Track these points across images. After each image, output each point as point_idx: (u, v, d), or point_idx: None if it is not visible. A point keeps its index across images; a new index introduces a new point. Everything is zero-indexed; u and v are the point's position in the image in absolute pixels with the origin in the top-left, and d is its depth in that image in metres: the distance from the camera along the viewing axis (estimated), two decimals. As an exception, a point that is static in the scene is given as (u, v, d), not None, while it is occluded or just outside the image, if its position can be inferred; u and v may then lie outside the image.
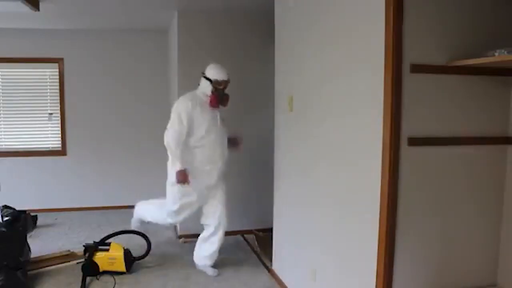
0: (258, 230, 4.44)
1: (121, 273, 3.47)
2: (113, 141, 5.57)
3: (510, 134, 2.07)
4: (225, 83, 3.43)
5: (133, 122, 5.56)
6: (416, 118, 1.93)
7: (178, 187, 3.42)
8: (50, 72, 5.47)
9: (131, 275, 3.50)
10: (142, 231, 3.82)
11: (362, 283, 2.11)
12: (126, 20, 4.89)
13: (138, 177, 5.65)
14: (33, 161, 5.45)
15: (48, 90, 5.51)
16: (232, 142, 3.65)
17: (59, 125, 5.51)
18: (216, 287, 3.36)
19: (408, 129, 1.91)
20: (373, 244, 1.99)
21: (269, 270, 3.63)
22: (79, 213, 5.38)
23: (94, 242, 3.56)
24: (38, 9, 3.86)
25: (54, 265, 3.66)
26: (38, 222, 4.86)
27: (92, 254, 3.46)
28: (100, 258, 3.46)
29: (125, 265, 3.47)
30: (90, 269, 3.42)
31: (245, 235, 4.56)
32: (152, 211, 3.81)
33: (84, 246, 3.55)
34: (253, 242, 4.33)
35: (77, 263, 3.64)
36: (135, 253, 3.64)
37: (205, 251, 3.61)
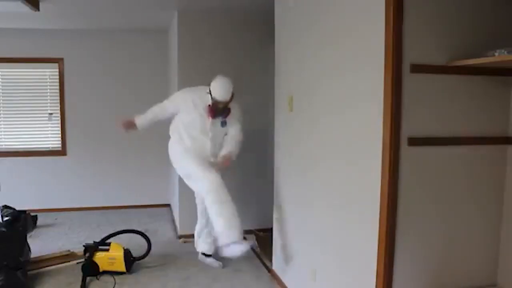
0: (258, 230, 4.44)
1: (121, 273, 3.47)
2: (113, 141, 5.57)
3: (510, 134, 2.07)
4: (225, 103, 3.40)
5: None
6: (416, 118, 1.93)
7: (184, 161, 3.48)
8: (50, 72, 5.47)
9: (131, 275, 3.50)
10: (142, 231, 3.82)
11: (362, 283, 2.11)
12: (126, 20, 4.89)
13: (138, 177, 5.65)
14: (33, 161, 5.46)
15: (48, 90, 5.51)
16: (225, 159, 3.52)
17: (59, 125, 5.52)
18: (216, 287, 3.36)
19: (408, 129, 1.91)
20: (373, 244, 1.99)
21: (269, 270, 3.63)
22: (79, 213, 5.38)
23: (94, 242, 3.56)
24: (38, 9, 3.87)
25: (54, 265, 3.67)
26: (38, 222, 4.86)
27: (92, 254, 3.46)
28: (100, 258, 3.47)
29: (125, 265, 3.47)
30: (90, 269, 3.42)
31: (245, 235, 4.55)
32: (213, 220, 3.35)
33: (84, 246, 3.55)
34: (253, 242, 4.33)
35: (77, 263, 3.64)
36: (135, 253, 3.64)
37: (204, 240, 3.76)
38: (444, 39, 1.93)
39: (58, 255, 3.78)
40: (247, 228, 4.55)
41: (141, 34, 5.47)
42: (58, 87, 5.47)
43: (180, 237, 4.42)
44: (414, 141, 1.92)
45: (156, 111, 3.67)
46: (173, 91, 4.67)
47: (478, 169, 2.05)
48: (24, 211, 4.32)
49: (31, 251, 3.58)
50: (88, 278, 3.39)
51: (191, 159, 3.43)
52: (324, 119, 2.55)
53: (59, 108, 5.49)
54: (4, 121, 5.47)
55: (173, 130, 3.62)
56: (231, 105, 3.48)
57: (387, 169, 1.90)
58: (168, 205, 5.62)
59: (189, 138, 3.49)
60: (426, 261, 2.01)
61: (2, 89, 5.42)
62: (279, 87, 3.35)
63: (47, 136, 5.58)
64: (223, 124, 3.52)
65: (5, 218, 3.80)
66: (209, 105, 3.41)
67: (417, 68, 1.90)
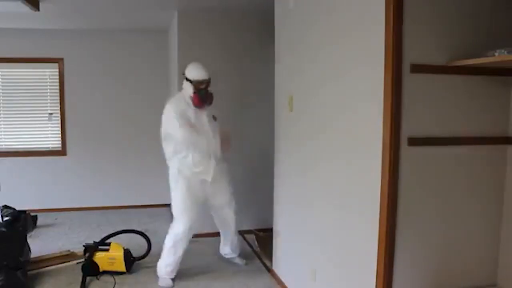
0: (258, 230, 4.44)
1: (121, 273, 3.47)
2: (113, 141, 5.57)
3: (510, 134, 2.07)
4: (206, 82, 3.36)
5: (133, 122, 5.56)
6: (416, 118, 1.93)
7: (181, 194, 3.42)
8: (50, 72, 5.47)
9: (131, 275, 3.50)
10: (142, 231, 3.82)
11: (362, 283, 2.11)
12: (126, 20, 4.89)
13: (138, 177, 5.65)
14: (33, 161, 5.46)
15: (48, 90, 5.51)
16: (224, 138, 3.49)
17: (59, 125, 5.52)
18: (217, 287, 3.36)
19: (408, 129, 1.91)
20: (373, 244, 1.99)
21: (269, 270, 3.63)
22: (79, 213, 5.38)
23: (94, 242, 3.56)
24: (38, 9, 3.87)
25: (54, 265, 3.67)
26: (38, 222, 4.86)
27: (92, 254, 3.46)
28: (100, 258, 3.47)
29: (125, 265, 3.47)
30: (90, 269, 3.42)
31: (245, 235, 4.56)
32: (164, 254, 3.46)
33: (84, 246, 3.55)
34: (253, 242, 4.33)
35: (77, 263, 3.64)
36: (135, 253, 3.64)
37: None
38: (444, 39, 1.93)
39: (58, 255, 3.78)
40: (247, 228, 4.58)
41: (141, 34, 5.47)
42: (58, 87, 5.47)
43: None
44: (414, 141, 1.92)
45: (189, 136, 3.33)
46: (173, 91, 4.67)
47: (478, 169, 2.05)
48: (24, 211, 4.32)
49: (31, 251, 3.58)
50: (88, 278, 3.39)
51: (182, 192, 3.39)
52: (324, 119, 2.54)
53: (59, 108, 5.49)
54: (4, 121, 5.46)
55: (173, 155, 3.43)
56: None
57: (387, 169, 1.90)
58: (168, 205, 5.59)
59: (194, 149, 3.35)
60: (426, 261, 2.01)
61: (2, 89, 5.42)
62: (279, 87, 3.35)
63: (47, 136, 5.58)
64: (215, 118, 3.47)
65: (5, 218, 3.80)
66: (194, 93, 3.33)
67: (417, 68, 1.90)
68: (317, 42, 2.61)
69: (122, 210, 5.50)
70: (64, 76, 5.45)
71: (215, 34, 4.40)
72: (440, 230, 2.01)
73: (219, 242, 3.87)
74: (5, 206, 4.28)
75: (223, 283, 3.42)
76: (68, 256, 3.79)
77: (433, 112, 1.95)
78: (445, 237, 2.03)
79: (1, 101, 5.43)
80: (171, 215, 3.56)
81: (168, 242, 3.41)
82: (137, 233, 3.79)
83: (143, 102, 5.55)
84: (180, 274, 3.54)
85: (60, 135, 5.53)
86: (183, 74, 3.44)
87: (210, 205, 3.63)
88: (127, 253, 3.53)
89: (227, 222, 3.70)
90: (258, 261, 3.89)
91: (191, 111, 3.36)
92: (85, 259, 3.45)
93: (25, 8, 3.75)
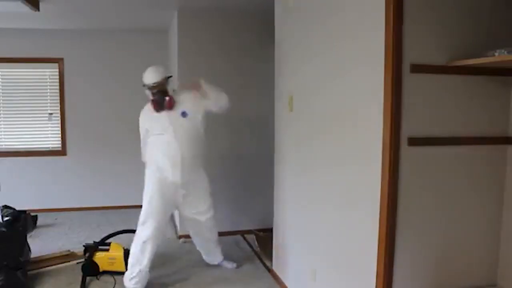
0: (258, 230, 4.44)
1: (121, 273, 3.46)
2: (113, 141, 5.57)
3: (510, 134, 2.07)
4: (156, 85, 3.24)
5: (133, 122, 5.53)
6: (416, 118, 1.93)
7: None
8: (50, 72, 5.47)
9: (131, 275, 3.50)
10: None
11: (362, 283, 2.11)
12: (126, 20, 4.89)
13: (138, 177, 5.61)
14: (33, 161, 5.46)
15: (48, 90, 5.51)
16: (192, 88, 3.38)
17: (59, 125, 5.52)
18: (216, 287, 3.36)
19: (408, 129, 1.91)
20: (373, 244, 1.99)
21: (269, 270, 3.63)
22: (79, 213, 5.38)
23: (94, 242, 3.56)
24: (38, 9, 3.87)
25: (54, 265, 3.67)
26: (38, 222, 4.86)
27: (92, 254, 3.46)
28: (100, 258, 3.47)
29: (125, 265, 3.47)
30: (90, 269, 3.42)
31: (245, 235, 4.56)
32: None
33: (84, 246, 3.56)
34: (253, 242, 4.33)
35: (77, 263, 3.64)
36: (135, 253, 3.63)
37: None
38: (444, 39, 1.93)
39: (58, 255, 3.78)
40: (247, 228, 4.58)
41: (141, 34, 5.47)
42: (58, 87, 5.48)
43: (180, 237, 4.42)
44: (414, 141, 1.92)
45: (143, 149, 3.57)
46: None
47: (478, 169, 2.05)
48: (24, 211, 4.32)
49: (31, 251, 3.58)
50: (88, 278, 3.39)
51: (150, 193, 3.33)
52: (324, 119, 2.54)
53: (59, 108, 5.49)
54: (4, 121, 5.47)
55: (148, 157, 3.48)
56: (179, 94, 3.35)
57: (387, 169, 1.90)
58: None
59: (157, 151, 3.33)
60: (426, 261, 2.01)
61: (2, 89, 5.43)
62: (279, 87, 3.35)
63: (47, 136, 5.58)
64: (184, 114, 3.27)
65: (5, 218, 3.80)
66: (152, 97, 3.30)
67: (417, 68, 1.89)
68: (317, 42, 2.61)
69: (122, 210, 5.50)
70: (64, 76, 5.45)
71: (215, 34, 4.40)
72: (440, 230, 2.01)
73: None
74: (5, 206, 4.28)
75: (223, 283, 3.42)
76: (68, 256, 3.79)
77: (433, 112, 1.95)
78: (445, 237, 2.02)
79: (1, 101, 5.43)
80: (171, 215, 3.56)
81: (134, 248, 3.24)
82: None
83: (143, 102, 5.50)
84: (179, 275, 3.54)
85: (60, 135, 5.53)
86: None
87: (180, 212, 3.57)
88: (127, 253, 3.52)
89: (200, 232, 3.58)
90: (258, 261, 3.89)
91: (155, 117, 3.31)
92: (85, 259, 3.46)
93: (25, 8, 3.75)
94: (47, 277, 3.45)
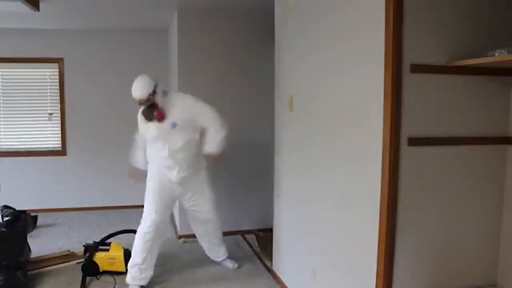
0: (258, 230, 4.44)
1: (121, 273, 3.46)
2: (113, 141, 5.56)
3: (510, 134, 2.07)
4: (142, 102, 3.17)
5: (133, 122, 5.53)
6: (416, 118, 1.93)
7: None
8: (50, 72, 5.47)
9: (131, 275, 3.50)
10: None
11: (362, 283, 2.11)
12: (126, 20, 4.89)
13: (138, 177, 5.64)
14: (33, 161, 5.46)
15: (48, 90, 5.51)
16: (213, 159, 3.39)
17: (59, 125, 5.52)
18: (216, 287, 3.36)
19: (408, 129, 1.91)
20: (373, 244, 1.99)
21: (269, 270, 3.63)
22: (79, 213, 5.38)
23: (94, 242, 3.56)
24: (38, 9, 3.87)
25: (54, 265, 3.67)
26: (38, 222, 4.86)
27: (92, 254, 3.46)
28: (100, 258, 3.47)
29: (125, 265, 3.47)
30: (90, 269, 3.42)
31: (245, 235, 4.56)
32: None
33: (84, 246, 3.55)
34: (253, 242, 4.33)
35: (77, 263, 3.64)
36: (135, 253, 3.64)
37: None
38: (444, 39, 1.93)
39: (58, 255, 3.78)
40: (247, 228, 4.58)
41: (141, 34, 5.47)
42: (58, 87, 5.47)
43: (180, 237, 4.42)
44: (414, 141, 1.92)
45: (140, 144, 3.54)
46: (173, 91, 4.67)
47: (478, 169, 2.05)
48: (24, 211, 4.32)
49: (31, 251, 3.58)
50: (88, 278, 3.39)
51: (151, 187, 3.39)
52: (324, 119, 2.54)
53: (59, 108, 5.49)
54: (4, 121, 5.46)
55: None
56: (172, 102, 3.27)
57: (387, 169, 1.90)
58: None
59: (154, 153, 3.37)
60: (426, 261, 2.01)
61: (2, 89, 5.42)
62: (279, 87, 3.35)
63: (47, 136, 5.58)
64: (173, 125, 3.23)
65: (5, 218, 3.80)
66: (142, 113, 3.28)
67: (417, 68, 1.90)
68: (317, 41, 2.61)
69: (122, 210, 5.50)
70: (64, 76, 5.45)
71: (215, 34, 4.40)
72: (440, 230, 2.01)
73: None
74: (5, 206, 4.28)
75: (223, 283, 3.42)
76: (68, 256, 3.79)
77: (433, 112, 1.95)
78: (445, 237, 2.03)
79: (1, 101, 5.43)
80: (171, 215, 3.57)
81: (136, 240, 3.30)
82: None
83: (143, 102, 5.54)
84: (179, 275, 3.54)
85: (60, 135, 5.53)
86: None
87: (180, 206, 3.59)
88: (127, 253, 3.52)
89: (201, 226, 3.62)
90: (258, 261, 3.89)
91: (149, 123, 3.29)
92: (85, 259, 3.45)
93: (25, 8, 3.75)
94: (47, 277, 3.45)
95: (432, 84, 1.93)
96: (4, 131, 5.49)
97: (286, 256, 3.27)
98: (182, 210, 3.88)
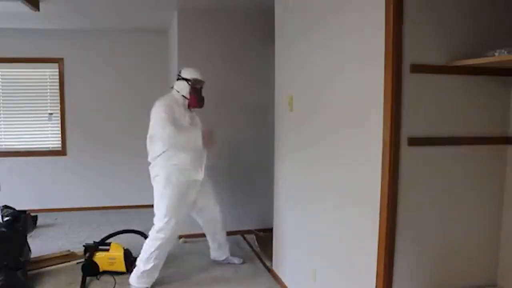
0: (258, 230, 4.44)
1: (121, 273, 3.47)
2: (113, 141, 5.57)
3: (510, 134, 2.07)
4: (203, 82, 3.44)
5: (133, 122, 5.55)
6: (416, 118, 1.93)
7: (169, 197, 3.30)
8: (50, 72, 5.47)
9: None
10: (142, 231, 3.82)
11: (362, 283, 2.11)
12: (126, 20, 4.89)
13: (138, 177, 5.63)
14: (33, 161, 5.46)
15: (48, 90, 5.51)
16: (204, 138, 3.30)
17: (59, 125, 5.52)
18: (217, 287, 3.36)
19: (408, 129, 1.91)
20: (373, 244, 1.99)
21: (269, 270, 3.63)
22: (79, 213, 5.38)
23: (94, 242, 3.56)
24: (38, 9, 3.87)
25: (54, 265, 3.67)
26: (38, 222, 4.86)
27: (92, 254, 3.46)
28: (100, 258, 3.47)
29: (125, 265, 3.47)
30: (90, 269, 3.42)
31: (245, 235, 4.56)
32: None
33: (84, 246, 3.55)
34: (253, 242, 4.33)
35: (77, 263, 3.64)
36: (135, 253, 3.63)
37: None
38: (444, 39, 1.93)
39: (58, 255, 3.78)
40: (247, 228, 4.58)
41: (141, 34, 5.47)
42: (58, 87, 5.48)
43: (180, 237, 4.42)
44: (414, 141, 1.92)
45: (173, 134, 3.19)
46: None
47: (478, 169, 2.05)
48: (24, 211, 4.32)
49: (31, 251, 3.58)
50: (88, 278, 3.39)
51: (171, 197, 3.26)
52: (323, 119, 2.54)
53: (59, 108, 5.49)
54: (4, 121, 5.47)
55: (160, 155, 3.32)
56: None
57: (387, 169, 1.90)
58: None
59: (184, 149, 3.28)
60: (426, 261, 2.01)
61: (2, 89, 5.42)
62: (279, 87, 3.35)
63: (47, 136, 5.58)
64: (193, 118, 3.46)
65: (5, 218, 3.80)
66: (190, 93, 3.35)
67: (417, 68, 1.90)
68: (317, 41, 2.61)
69: (122, 210, 5.50)
70: (64, 76, 5.45)
71: (215, 33, 4.40)
72: (440, 230, 2.01)
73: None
74: (5, 206, 4.28)
75: (223, 283, 3.42)
76: (68, 256, 3.79)
77: (433, 112, 1.95)
78: (445, 237, 2.03)
79: (1, 101, 5.43)
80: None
81: (151, 247, 3.24)
82: (137, 233, 3.79)
83: (143, 102, 5.51)
84: (179, 275, 3.54)
85: (60, 135, 5.53)
86: (179, 75, 3.44)
87: (197, 208, 3.57)
88: (127, 253, 3.53)
89: (213, 223, 3.66)
90: (258, 261, 3.89)
91: (179, 111, 3.31)
92: (85, 259, 3.45)
93: (25, 8, 3.75)
94: (47, 277, 3.45)
95: (432, 84, 1.93)
96: (4, 131, 5.49)
97: (286, 256, 3.27)
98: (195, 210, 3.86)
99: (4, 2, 3.65)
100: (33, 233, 4.58)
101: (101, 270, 3.46)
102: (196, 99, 3.38)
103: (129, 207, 5.55)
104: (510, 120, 2.07)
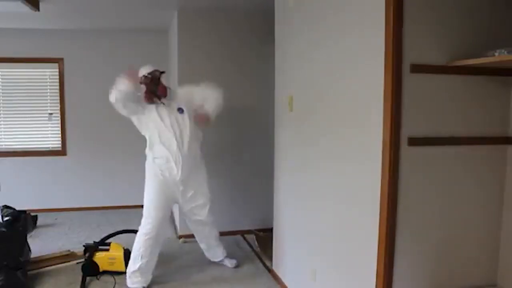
0: (258, 230, 4.44)
1: (121, 273, 3.46)
2: (113, 141, 5.57)
3: (510, 134, 2.07)
4: (154, 74, 3.48)
5: (133, 122, 5.55)
6: (416, 118, 1.93)
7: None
8: (50, 72, 5.47)
9: (131, 275, 3.50)
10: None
11: (362, 283, 2.11)
12: (126, 20, 4.89)
13: (138, 177, 5.61)
14: (33, 161, 5.46)
15: (48, 90, 5.51)
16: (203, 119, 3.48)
17: (59, 125, 5.52)
18: (216, 287, 3.36)
19: (408, 129, 1.91)
20: (373, 244, 1.99)
21: (269, 270, 3.63)
22: (79, 213, 5.38)
23: (94, 242, 3.56)
24: (38, 9, 3.87)
25: (54, 265, 3.67)
26: (38, 222, 4.86)
27: (92, 254, 3.46)
28: (100, 258, 3.47)
29: (125, 265, 3.47)
30: (90, 269, 3.42)
31: (245, 235, 4.56)
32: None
33: (84, 246, 3.55)
34: (253, 242, 4.33)
35: (77, 263, 3.64)
36: (135, 253, 3.64)
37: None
38: (444, 39, 1.93)
39: (58, 255, 3.78)
40: (247, 228, 4.58)
41: (141, 34, 5.47)
42: (58, 87, 5.48)
43: (180, 237, 4.42)
44: (414, 141, 1.92)
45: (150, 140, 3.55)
46: (173, 91, 4.67)
47: (478, 169, 2.05)
48: (24, 211, 4.32)
49: (31, 251, 3.58)
50: (88, 278, 3.39)
51: (151, 190, 3.38)
52: (323, 119, 2.54)
53: (59, 108, 5.49)
54: (4, 121, 5.47)
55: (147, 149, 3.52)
56: (173, 95, 3.50)
57: (387, 169, 1.90)
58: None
59: (159, 146, 3.38)
60: (426, 261, 2.01)
61: (2, 89, 5.42)
62: (279, 87, 3.35)
63: (47, 136, 5.58)
64: (180, 110, 3.41)
65: (5, 218, 3.80)
66: (144, 92, 3.42)
67: (417, 68, 1.90)
68: (318, 41, 2.61)
69: (122, 210, 5.50)
70: (64, 76, 5.45)
71: (215, 33, 4.40)
72: (440, 230, 2.01)
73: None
74: (5, 206, 4.28)
75: (223, 283, 3.42)
76: (68, 256, 3.78)
77: (433, 112, 1.95)
78: (445, 237, 2.03)
79: (1, 101, 5.43)
80: (171, 215, 3.56)
81: (137, 245, 3.27)
82: (137, 233, 3.77)
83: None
84: (179, 275, 3.54)
85: (60, 135, 5.53)
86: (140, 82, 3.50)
87: (180, 208, 3.56)
88: (127, 253, 3.52)
89: (202, 225, 3.61)
90: (258, 261, 3.89)
91: (156, 107, 3.43)
92: (85, 259, 3.45)
93: (25, 8, 3.75)
94: (47, 277, 3.45)
95: (432, 84, 1.93)
96: (4, 131, 5.49)
97: (286, 256, 3.27)
98: (181, 212, 3.88)
99: (4, 2, 3.65)
100: (33, 233, 4.58)
101: (101, 270, 3.46)
102: (148, 93, 3.45)
103: (129, 207, 5.54)
104: (510, 120, 2.07)
